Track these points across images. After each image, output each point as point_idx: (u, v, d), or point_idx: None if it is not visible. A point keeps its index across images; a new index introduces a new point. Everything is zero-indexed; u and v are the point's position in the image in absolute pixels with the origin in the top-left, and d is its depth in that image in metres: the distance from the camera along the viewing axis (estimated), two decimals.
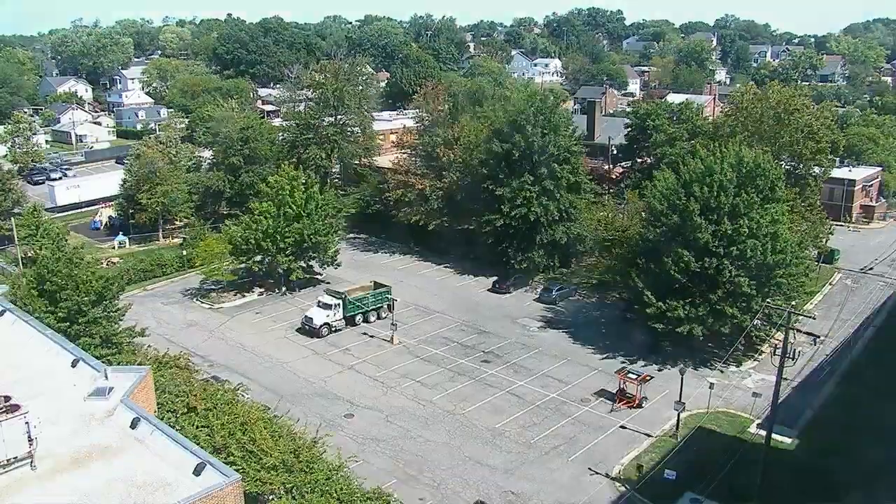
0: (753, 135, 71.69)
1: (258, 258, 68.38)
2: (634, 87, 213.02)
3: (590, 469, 42.22)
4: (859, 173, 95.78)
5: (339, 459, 33.61)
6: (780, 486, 38.99)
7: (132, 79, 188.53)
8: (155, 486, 22.23)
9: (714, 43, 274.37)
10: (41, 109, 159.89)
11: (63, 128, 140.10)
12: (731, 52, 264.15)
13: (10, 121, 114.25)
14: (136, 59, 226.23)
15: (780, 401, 38.46)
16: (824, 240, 72.76)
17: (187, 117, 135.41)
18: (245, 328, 62.62)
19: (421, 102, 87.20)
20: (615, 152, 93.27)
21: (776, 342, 52.71)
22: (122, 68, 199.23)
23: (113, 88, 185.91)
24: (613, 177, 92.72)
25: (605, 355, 57.28)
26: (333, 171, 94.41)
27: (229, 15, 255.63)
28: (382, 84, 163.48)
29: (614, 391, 50.24)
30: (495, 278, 72.93)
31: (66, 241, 45.93)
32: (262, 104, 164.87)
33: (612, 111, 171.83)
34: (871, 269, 73.66)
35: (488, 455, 43.63)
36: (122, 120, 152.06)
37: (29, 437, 22.87)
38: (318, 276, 72.80)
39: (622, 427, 46.76)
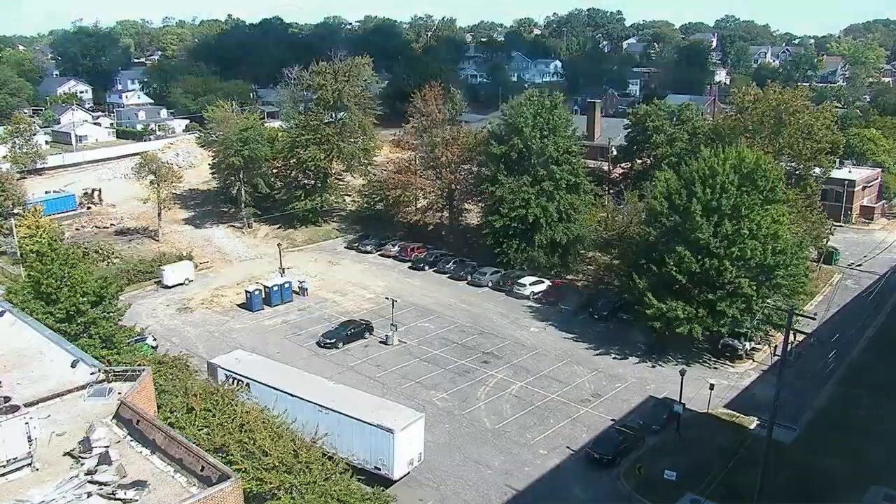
0: (754, 135, 71.73)
1: None
2: (634, 87, 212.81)
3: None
4: (859, 174, 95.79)
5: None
6: (780, 485, 39.00)
7: (132, 79, 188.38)
8: (155, 487, 22.24)
9: (714, 44, 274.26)
10: (41, 110, 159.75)
11: (63, 128, 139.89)
12: (731, 53, 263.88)
13: (10, 121, 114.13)
14: (136, 60, 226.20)
15: (779, 401, 38.42)
16: (824, 240, 72.80)
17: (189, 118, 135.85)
18: (245, 328, 62.57)
19: (419, 104, 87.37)
20: (615, 153, 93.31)
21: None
22: (121, 69, 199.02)
23: (113, 89, 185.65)
24: (613, 177, 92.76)
25: (604, 355, 57.30)
26: (333, 171, 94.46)
27: (229, 16, 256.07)
28: (383, 85, 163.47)
29: None
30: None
31: (61, 241, 45.63)
32: (262, 105, 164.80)
33: (611, 112, 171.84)
34: (859, 265, 74.31)
35: (488, 455, 43.62)
36: (121, 120, 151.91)
37: (29, 437, 22.88)
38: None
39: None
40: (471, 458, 43.30)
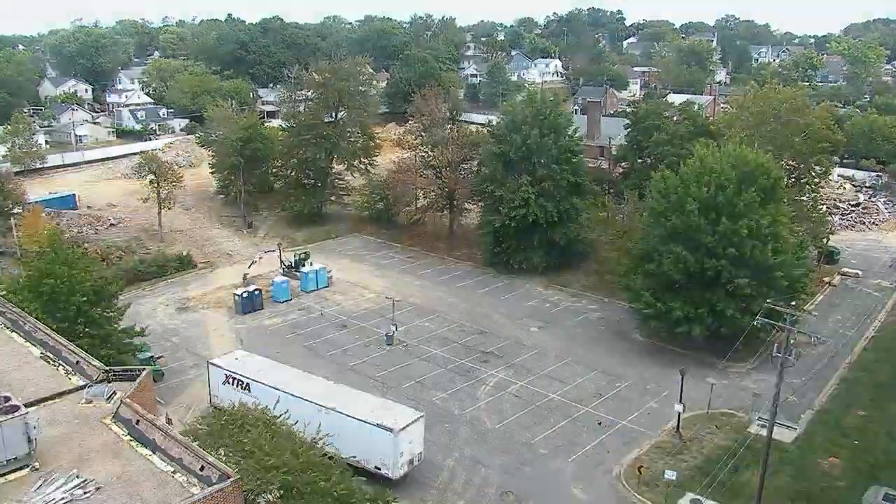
0: (754, 134, 71.71)
1: None
2: (635, 87, 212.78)
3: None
4: None
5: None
6: (781, 485, 39.03)
7: (132, 79, 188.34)
8: (155, 487, 22.22)
9: (714, 43, 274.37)
10: (41, 110, 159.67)
11: (63, 128, 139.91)
12: (731, 53, 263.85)
13: (10, 121, 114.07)
14: (135, 60, 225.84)
15: (780, 400, 38.41)
16: (825, 239, 72.78)
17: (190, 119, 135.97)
18: (245, 328, 62.47)
19: (420, 103, 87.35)
20: (615, 153, 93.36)
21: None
22: (121, 69, 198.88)
23: (112, 89, 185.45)
24: (614, 177, 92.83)
25: (605, 354, 57.26)
26: (333, 170, 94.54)
27: (229, 15, 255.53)
28: (383, 84, 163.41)
29: None
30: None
31: (62, 241, 45.71)
32: (262, 104, 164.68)
33: (612, 111, 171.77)
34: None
35: (489, 455, 43.60)
36: (121, 120, 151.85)
37: (28, 437, 22.88)
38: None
39: (623, 427, 46.78)
40: (471, 458, 43.29)
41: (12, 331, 32.92)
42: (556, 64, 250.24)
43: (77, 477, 22.14)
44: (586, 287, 71.23)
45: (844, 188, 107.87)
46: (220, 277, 75.36)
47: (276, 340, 59.81)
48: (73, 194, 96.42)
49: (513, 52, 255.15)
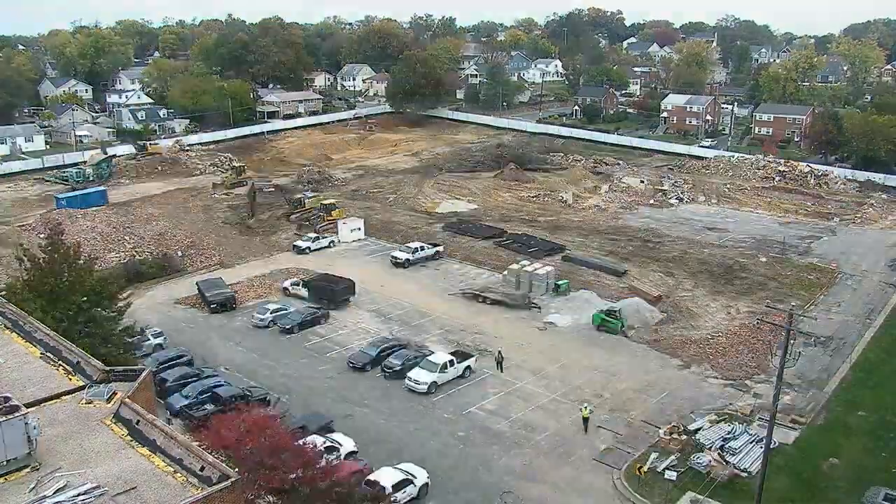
0: None
1: None
2: (635, 87, 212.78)
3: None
4: None
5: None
6: (781, 485, 39.04)
7: (132, 80, 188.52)
8: (155, 487, 22.22)
9: (714, 43, 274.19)
10: (41, 110, 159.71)
11: (62, 128, 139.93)
12: (731, 53, 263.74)
13: (10, 122, 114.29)
14: (135, 60, 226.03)
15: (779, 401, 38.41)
16: None
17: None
18: (243, 327, 62.33)
19: None
20: None
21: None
22: (121, 69, 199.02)
23: (112, 89, 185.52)
24: None
25: (605, 355, 57.18)
26: None
27: (229, 15, 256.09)
28: (383, 85, 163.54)
29: None
30: None
31: (62, 240, 45.69)
32: (263, 104, 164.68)
33: (612, 111, 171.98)
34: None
35: (489, 456, 43.53)
36: (121, 121, 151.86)
37: (28, 437, 22.86)
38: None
39: (623, 427, 46.75)
40: (471, 459, 43.20)
41: (12, 331, 32.90)
42: (556, 64, 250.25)
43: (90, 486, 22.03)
44: None
45: (844, 188, 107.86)
46: (224, 276, 75.14)
47: (277, 340, 59.64)
48: (104, 190, 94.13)
49: (513, 53, 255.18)
